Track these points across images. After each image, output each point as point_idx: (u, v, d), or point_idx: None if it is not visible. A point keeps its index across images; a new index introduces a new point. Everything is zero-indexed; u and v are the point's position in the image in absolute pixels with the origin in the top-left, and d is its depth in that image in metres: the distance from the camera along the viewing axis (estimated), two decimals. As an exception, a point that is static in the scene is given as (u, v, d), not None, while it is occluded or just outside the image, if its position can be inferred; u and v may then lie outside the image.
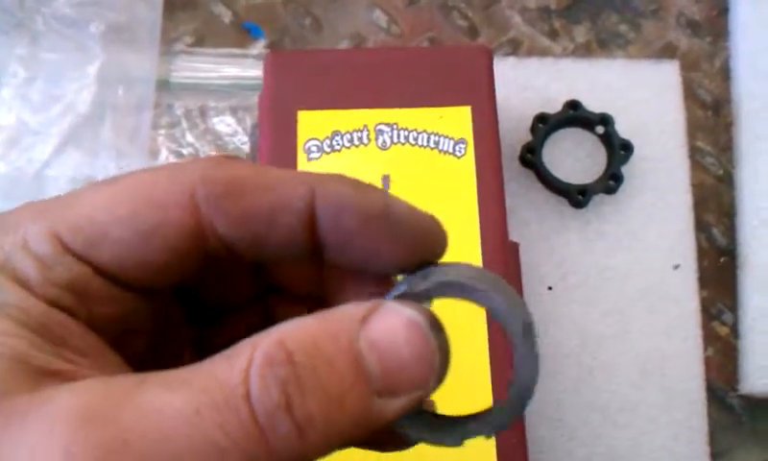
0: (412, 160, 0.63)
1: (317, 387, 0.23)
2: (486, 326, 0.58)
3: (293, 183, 0.26)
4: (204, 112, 0.76)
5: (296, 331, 0.23)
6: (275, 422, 0.22)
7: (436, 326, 0.25)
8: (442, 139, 0.64)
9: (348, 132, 0.64)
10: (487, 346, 0.58)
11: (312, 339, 0.23)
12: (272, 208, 0.26)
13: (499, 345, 0.58)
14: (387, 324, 0.24)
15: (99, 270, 0.26)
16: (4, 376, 0.23)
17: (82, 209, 0.26)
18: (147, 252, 0.26)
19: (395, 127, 0.64)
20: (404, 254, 0.27)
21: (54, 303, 0.25)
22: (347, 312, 0.24)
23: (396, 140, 0.64)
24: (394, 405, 0.24)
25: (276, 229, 0.26)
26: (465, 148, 0.63)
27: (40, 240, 0.25)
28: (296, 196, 0.26)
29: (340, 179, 0.26)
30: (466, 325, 0.58)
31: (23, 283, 0.25)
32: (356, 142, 0.64)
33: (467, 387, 0.58)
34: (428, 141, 0.64)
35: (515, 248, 0.65)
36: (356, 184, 0.26)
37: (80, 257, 0.26)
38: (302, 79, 0.66)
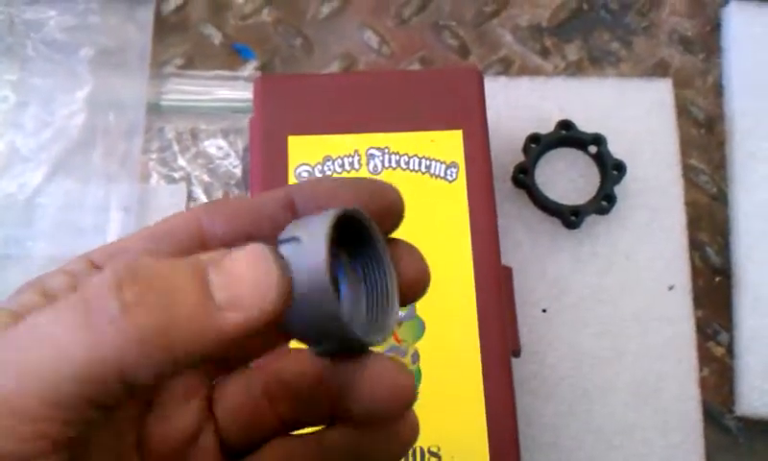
0: (403, 185, 0.62)
1: (151, 278, 0.25)
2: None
3: (273, 191, 0.30)
4: (195, 135, 0.76)
5: (149, 257, 0.27)
6: (102, 302, 0.25)
7: (280, 257, 0.27)
8: (433, 163, 0.63)
9: (339, 156, 0.64)
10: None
11: (160, 259, 0.27)
12: (257, 203, 0.30)
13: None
14: (234, 254, 0.27)
15: None
16: None
17: (121, 243, 0.31)
18: (162, 252, 0.29)
19: (386, 151, 0.64)
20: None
21: None
22: (195, 255, 0.27)
23: (387, 165, 0.64)
24: (236, 318, 0.25)
25: (263, 214, 0.30)
26: (456, 172, 0.63)
27: (74, 263, 0.30)
28: (276, 192, 0.30)
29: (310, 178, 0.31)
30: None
31: (46, 292, 0.29)
32: (347, 167, 0.63)
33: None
34: (420, 166, 0.63)
35: (508, 273, 0.64)
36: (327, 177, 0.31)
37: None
38: (293, 104, 0.66)
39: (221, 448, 0.33)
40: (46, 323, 0.26)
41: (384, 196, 0.31)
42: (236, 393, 0.33)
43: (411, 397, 0.30)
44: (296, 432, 0.33)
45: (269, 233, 0.29)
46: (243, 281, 0.26)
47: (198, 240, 0.29)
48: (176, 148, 0.76)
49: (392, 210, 0.31)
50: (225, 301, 0.26)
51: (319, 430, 0.32)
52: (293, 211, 0.30)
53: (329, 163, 0.63)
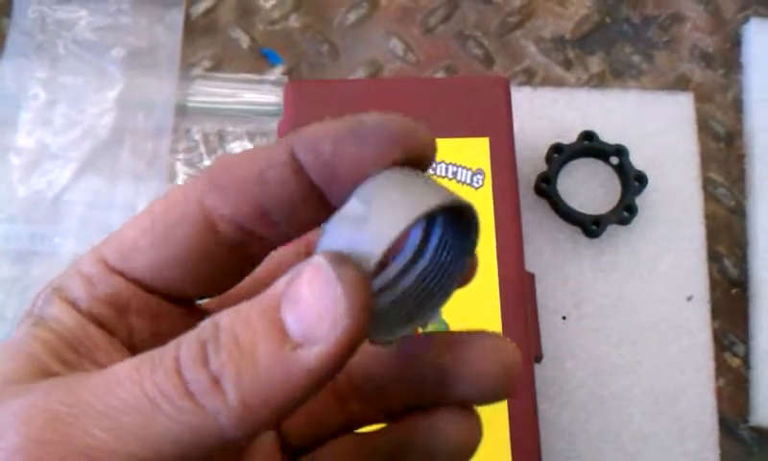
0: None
1: (231, 341, 0.24)
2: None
3: (272, 146, 0.27)
4: (221, 137, 0.77)
5: (229, 310, 0.25)
6: (193, 374, 0.23)
7: (345, 261, 0.24)
8: (460, 170, 0.64)
9: (366, 161, 0.65)
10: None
11: (238, 310, 0.25)
12: (258, 170, 0.27)
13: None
14: (299, 279, 0.24)
15: (136, 281, 0.28)
16: (14, 367, 0.26)
17: (121, 233, 0.29)
18: (169, 251, 0.28)
19: (413, 157, 0.65)
20: (378, 158, 0.26)
21: (95, 319, 0.28)
22: (274, 284, 0.25)
23: (414, 170, 0.65)
24: (313, 352, 0.23)
25: (269, 186, 0.27)
26: (482, 179, 0.64)
27: (90, 264, 0.29)
28: (276, 151, 0.27)
29: (312, 124, 0.27)
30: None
31: (70, 301, 0.28)
32: (375, 172, 0.64)
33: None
34: (446, 172, 0.64)
35: (531, 279, 0.66)
36: (330, 119, 0.27)
37: (119, 273, 0.28)
38: (322, 108, 0.66)
39: (282, 446, 0.32)
40: (131, 386, 0.24)
41: (414, 141, 0.27)
42: None
43: (519, 375, 0.29)
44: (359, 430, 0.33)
45: (279, 201, 0.27)
46: (312, 311, 0.24)
47: (206, 226, 0.27)
48: (202, 149, 0.77)
49: (423, 157, 0.28)
50: (300, 336, 0.24)
51: (383, 428, 0.32)
52: (298, 172, 0.27)
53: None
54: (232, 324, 0.24)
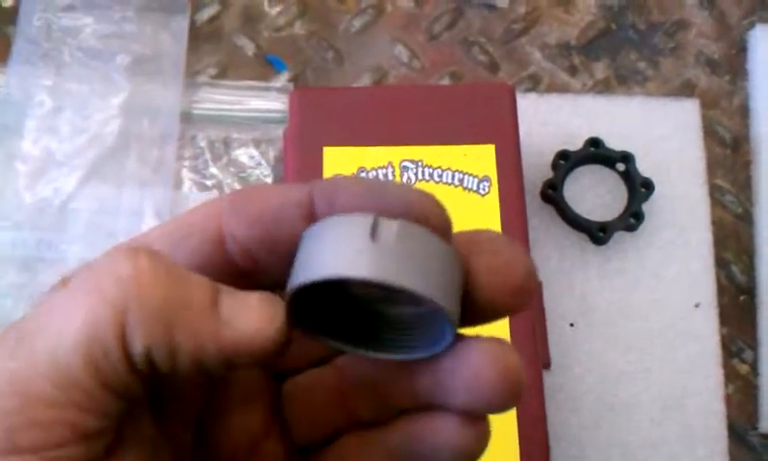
0: (437, 197, 0.64)
1: (168, 263, 0.27)
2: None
3: (295, 187, 0.28)
4: (227, 144, 0.77)
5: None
6: (115, 265, 0.26)
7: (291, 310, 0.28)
8: (466, 177, 0.64)
9: (373, 168, 0.65)
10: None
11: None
12: (277, 204, 0.28)
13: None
14: (249, 293, 0.28)
15: None
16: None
17: (145, 236, 0.30)
18: (181, 259, 0.28)
19: (420, 164, 0.65)
20: None
21: None
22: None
23: (420, 177, 0.65)
24: (233, 335, 0.26)
25: (283, 223, 0.28)
26: (489, 186, 0.64)
27: None
28: (295, 192, 0.28)
29: (336, 175, 0.28)
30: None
31: None
32: (381, 179, 0.64)
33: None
34: (453, 179, 0.64)
35: (538, 284, 0.65)
36: (351, 176, 0.28)
37: None
38: (328, 115, 0.67)
39: (288, 446, 0.33)
40: (58, 301, 0.26)
41: (424, 211, 0.27)
42: (308, 391, 0.32)
43: (520, 381, 0.28)
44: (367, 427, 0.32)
45: (286, 240, 0.28)
46: (250, 311, 0.27)
47: (216, 242, 0.28)
48: (208, 156, 0.77)
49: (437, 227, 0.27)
50: (227, 316, 0.26)
51: (389, 425, 0.31)
52: (310, 217, 0.28)
53: (363, 174, 0.64)
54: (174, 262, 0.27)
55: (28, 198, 0.73)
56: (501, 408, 0.28)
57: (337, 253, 0.26)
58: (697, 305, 0.71)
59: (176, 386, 0.30)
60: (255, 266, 0.29)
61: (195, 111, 0.78)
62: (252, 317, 0.27)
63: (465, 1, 0.83)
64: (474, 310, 0.28)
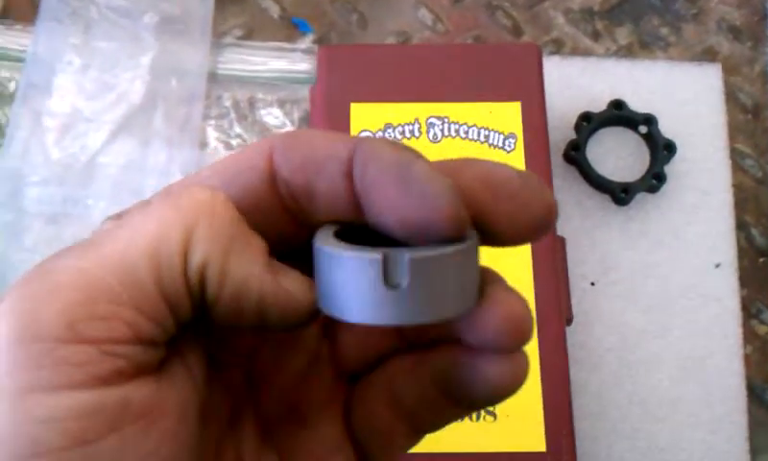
0: (462, 154, 0.64)
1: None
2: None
3: (343, 140, 0.28)
4: (252, 104, 0.78)
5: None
6: (195, 190, 0.28)
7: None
8: (492, 134, 0.65)
9: (399, 124, 0.65)
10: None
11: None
12: (323, 156, 0.28)
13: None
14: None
15: None
16: None
17: (197, 174, 0.30)
18: (234, 195, 0.28)
19: (446, 120, 0.65)
20: (406, 215, 0.27)
21: None
22: None
23: (447, 134, 0.65)
24: (278, 290, 0.28)
25: (324, 175, 0.28)
26: (514, 143, 0.65)
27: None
28: (343, 147, 0.28)
29: (383, 139, 0.28)
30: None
31: None
32: (408, 135, 0.65)
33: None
34: (479, 135, 0.65)
35: (561, 243, 0.66)
36: (393, 143, 0.28)
37: None
38: (355, 73, 0.67)
39: (335, 373, 0.33)
40: (135, 213, 0.28)
41: (435, 207, 0.26)
42: None
43: (525, 331, 0.28)
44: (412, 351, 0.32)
45: (324, 191, 0.28)
46: (296, 275, 0.28)
47: (267, 180, 0.29)
48: (233, 116, 0.77)
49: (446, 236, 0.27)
50: (277, 271, 0.28)
51: (433, 351, 0.31)
52: (350, 179, 0.28)
53: (390, 130, 0.65)
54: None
55: (55, 154, 0.74)
56: (506, 350, 0.28)
57: (356, 297, 0.26)
58: (717, 266, 0.71)
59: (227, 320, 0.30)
60: (298, 208, 0.29)
61: (221, 72, 0.79)
62: (297, 281, 0.28)
63: (489, -35, 0.84)
64: (495, 241, 0.29)
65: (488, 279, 0.29)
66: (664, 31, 0.82)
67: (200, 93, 0.77)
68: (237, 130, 0.77)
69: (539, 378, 0.59)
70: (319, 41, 0.81)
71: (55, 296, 0.25)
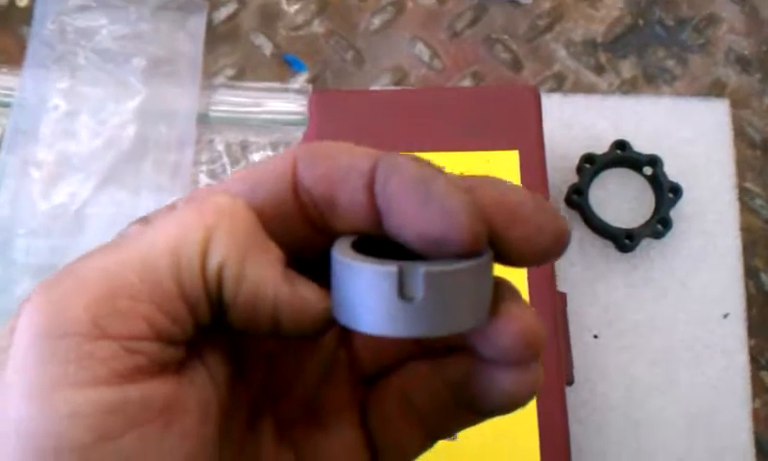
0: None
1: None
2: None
3: (366, 153, 0.29)
4: (244, 147, 0.76)
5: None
6: (219, 197, 0.28)
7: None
8: (488, 186, 0.63)
9: (393, 177, 0.63)
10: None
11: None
12: (345, 167, 0.29)
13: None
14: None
15: None
16: None
17: (222, 185, 0.30)
18: (258, 197, 0.29)
19: (441, 171, 0.63)
20: (425, 229, 0.27)
21: None
22: None
23: (442, 186, 0.63)
24: (289, 297, 0.28)
25: (345, 187, 0.28)
26: (512, 195, 0.62)
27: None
28: (366, 159, 0.28)
29: (405, 154, 0.29)
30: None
31: None
32: (402, 188, 0.63)
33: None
34: (475, 188, 0.63)
35: (562, 299, 0.64)
36: (415, 158, 0.28)
37: None
38: (348, 119, 0.65)
39: (354, 376, 0.34)
40: (161, 215, 0.29)
41: (451, 228, 0.27)
42: None
43: (538, 345, 0.29)
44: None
45: (346, 203, 0.29)
46: (311, 284, 0.29)
47: (290, 189, 0.29)
48: (225, 160, 0.75)
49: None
50: (291, 279, 0.28)
51: (450, 358, 0.32)
52: (371, 191, 0.28)
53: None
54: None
55: (42, 205, 0.72)
56: (518, 362, 0.29)
57: (370, 308, 0.27)
58: (725, 316, 0.69)
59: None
60: (319, 218, 0.30)
61: (212, 114, 0.77)
62: (311, 287, 0.29)
63: (487, -3, 0.81)
64: (506, 261, 0.29)
65: (502, 292, 0.29)
66: (670, 63, 0.79)
67: (190, 138, 0.75)
68: (230, 174, 0.75)
69: (537, 443, 0.57)
70: (313, 80, 0.79)
71: (80, 292, 0.26)
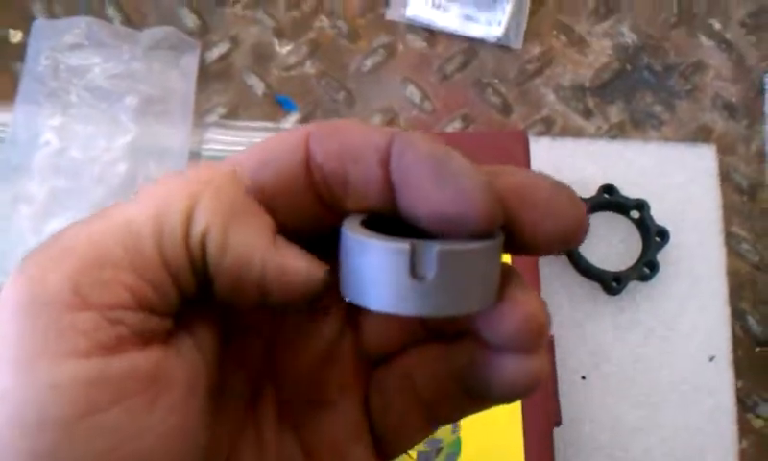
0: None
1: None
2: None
3: (380, 130, 0.29)
4: (235, 186, 0.76)
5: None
6: (202, 170, 0.28)
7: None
8: (477, 228, 0.63)
9: (382, 217, 0.63)
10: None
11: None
12: (359, 144, 0.28)
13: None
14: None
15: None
16: None
17: (233, 158, 0.30)
18: (267, 175, 0.29)
19: (430, 214, 0.64)
20: (440, 208, 0.27)
21: None
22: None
23: (431, 228, 0.63)
24: (281, 266, 0.28)
25: (359, 164, 0.28)
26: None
27: None
28: (379, 136, 0.28)
29: (420, 132, 0.29)
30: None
31: None
32: (391, 229, 0.63)
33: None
34: (464, 230, 0.63)
35: (549, 342, 0.64)
36: (430, 137, 0.28)
37: None
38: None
39: (358, 358, 0.34)
40: (145, 186, 0.28)
41: (466, 207, 0.27)
42: None
43: (542, 332, 0.28)
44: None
45: (360, 179, 0.29)
46: (302, 254, 0.28)
47: (302, 165, 0.29)
48: (216, 198, 0.76)
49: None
50: (281, 248, 0.28)
51: (455, 344, 0.32)
52: (386, 168, 0.28)
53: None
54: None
55: (32, 241, 0.72)
56: (520, 350, 0.29)
57: (380, 285, 0.27)
58: (712, 359, 0.69)
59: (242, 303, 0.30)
60: (330, 195, 0.29)
61: (204, 152, 0.77)
62: (302, 258, 0.28)
63: (478, 41, 0.82)
64: (519, 247, 0.29)
65: (508, 277, 0.29)
66: (658, 108, 0.80)
67: (181, 176, 0.75)
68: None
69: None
70: (304, 120, 0.79)
71: (61, 261, 0.26)
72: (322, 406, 0.33)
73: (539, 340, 0.28)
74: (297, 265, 0.28)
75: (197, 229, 0.27)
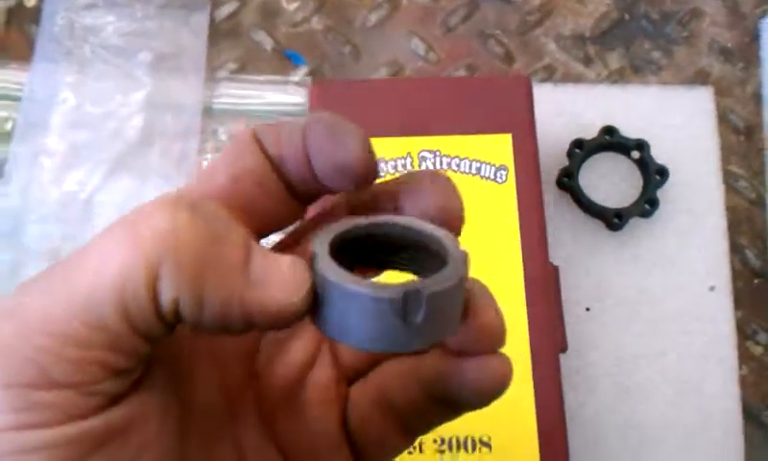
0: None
1: (209, 215, 0.28)
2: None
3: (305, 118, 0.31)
4: (247, 138, 0.78)
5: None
6: (155, 218, 0.27)
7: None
8: (483, 166, 0.65)
9: (392, 159, 0.66)
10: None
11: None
12: (288, 127, 0.31)
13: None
14: (281, 255, 0.29)
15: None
16: None
17: (205, 173, 0.32)
18: (238, 170, 0.31)
19: (437, 153, 0.66)
20: (334, 159, 0.30)
21: None
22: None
23: (439, 167, 0.66)
24: (261, 298, 0.27)
25: (290, 141, 0.31)
26: (506, 174, 0.65)
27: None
28: (302, 120, 0.31)
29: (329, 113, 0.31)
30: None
31: None
32: (400, 169, 0.66)
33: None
34: (470, 168, 0.65)
35: (555, 271, 0.66)
36: (334, 115, 0.31)
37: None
38: (347, 107, 0.68)
39: (337, 375, 0.35)
40: (98, 244, 0.27)
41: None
42: None
43: (500, 333, 0.31)
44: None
45: (292, 153, 0.31)
46: (280, 275, 0.28)
47: (259, 154, 0.31)
48: (229, 149, 0.78)
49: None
50: (256, 278, 0.27)
51: (425, 357, 0.33)
52: (305, 143, 0.31)
53: (382, 164, 0.66)
54: (218, 211, 0.29)
55: (53, 192, 0.75)
56: (483, 352, 0.31)
57: (368, 330, 0.27)
58: (712, 289, 0.72)
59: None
60: (299, 179, 0.31)
61: (216, 106, 0.80)
62: (280, 282, 0.28)
63: (479, -6, 0.84)
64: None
65: (470, 289, 0.31)
66: (656, 54, 0.82)
67: (195, 128, 0.78)
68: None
69: (533, 409, 0.59)
70: (312, 73, 0.81)
71: (24, 342, 0.26)
72: (302, 418, 0.34)
73: (495, 342, 0.31)
74: (275, 297, 0.27)
75: (166, 297, 0.26)
